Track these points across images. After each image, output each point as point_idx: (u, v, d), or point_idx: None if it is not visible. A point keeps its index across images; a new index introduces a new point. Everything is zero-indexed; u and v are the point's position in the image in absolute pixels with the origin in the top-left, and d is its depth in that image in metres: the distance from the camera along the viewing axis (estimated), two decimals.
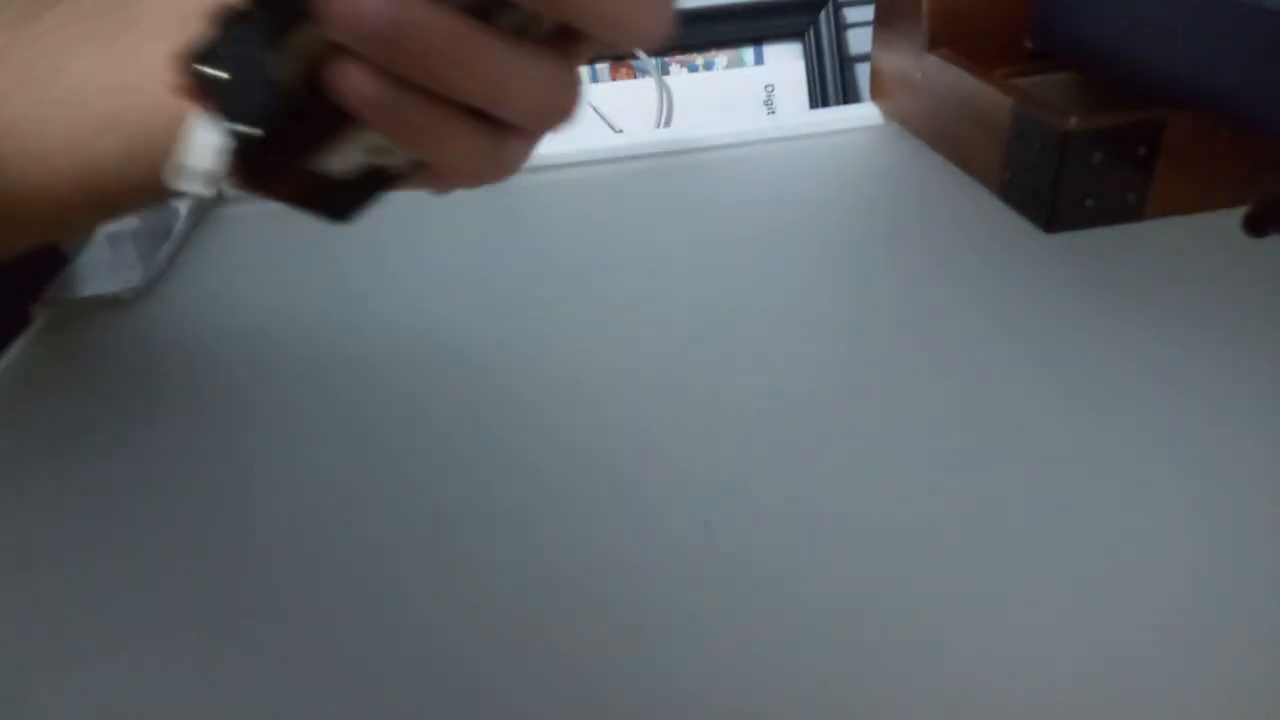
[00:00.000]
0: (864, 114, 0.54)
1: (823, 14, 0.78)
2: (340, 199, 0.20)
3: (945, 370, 0.33)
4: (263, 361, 0.36)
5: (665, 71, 0.82)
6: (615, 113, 0.82)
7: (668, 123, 0.82)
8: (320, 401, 0.34)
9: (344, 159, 0.19)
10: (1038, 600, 0.24)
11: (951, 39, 0.48)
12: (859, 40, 0.79)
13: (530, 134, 0.20)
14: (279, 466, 0.31)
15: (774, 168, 0.50)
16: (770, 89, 0.82)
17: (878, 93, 0.55)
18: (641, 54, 0.80)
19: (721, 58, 0.82)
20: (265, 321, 0.39)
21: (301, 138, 0.19)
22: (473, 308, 0.39)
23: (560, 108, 0.20)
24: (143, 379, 0.36)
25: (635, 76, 0.83)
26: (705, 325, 0.37)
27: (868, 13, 0.75)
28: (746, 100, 0.82)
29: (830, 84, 0.79)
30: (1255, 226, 0.38)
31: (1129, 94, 0.41)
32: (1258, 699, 0.21)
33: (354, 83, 0.17)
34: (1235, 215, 0.37)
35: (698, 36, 0.81)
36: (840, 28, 0.79)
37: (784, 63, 0.81)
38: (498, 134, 0.20)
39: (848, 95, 0.80)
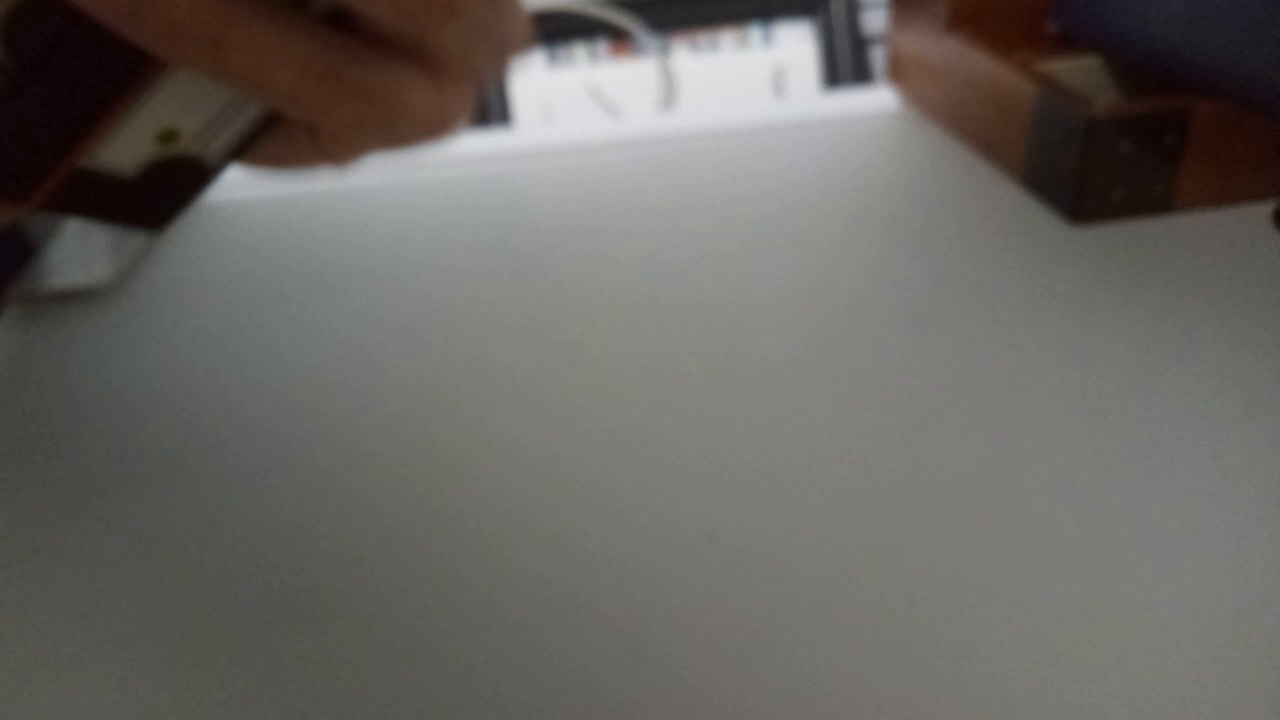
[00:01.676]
0: (880, 98, 0.53)
1: None
2: (138, 202, 0.16)
3: (964, 366, 0.32)
4: (243, 356, 0.36)
5: (668, 51, 0.80)
6: (612, 94, 0.80)
7: (670, 106, 0.81)
8: (306, 398, 0.33)
9: (125, 149, 0.15)
10: (1055, 610, 0.23)
11: (972, 19, 0.46)
12: (874, 20, 0.78)
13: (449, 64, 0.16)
14: (261, 464, 0.30)
15: (784, 156, 0.48)
16: (780, 71, 0.80)
17: (895, 75, 0.53)
18: (642, 33, 0.78)
19: (728, 37, 0.80)
20: (246, 315, 0.38)
21: (49, 124, 0.14)
22: (463, 305, 0.38)
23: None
24: (116, 374, 0.35)
25: (636, 56, 0.81)
26: (710, 325, 0.36)
27: None
28: (754, 82, 0.80)
29: (844, 65, 0.77)
30: None
31: (1155, 80, 0.39)
32: (1259, 700, 0.21)
33: None
34: (1265, 209, 0.36)
35: (702, 14, 0.79)
36: (855, 6, 0.78)
37: (795, 42, 0.79)
38: (378, 50, 0.15)
39: (862, 77, 0.78)
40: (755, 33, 0.80)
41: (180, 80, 0.15)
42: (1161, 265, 0.37)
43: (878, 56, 0.78)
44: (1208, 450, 0.28)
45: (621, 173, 0.53)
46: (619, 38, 0.78)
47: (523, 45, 0.18)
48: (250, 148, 0.17)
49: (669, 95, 0.79)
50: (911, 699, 0.22)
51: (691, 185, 0.47)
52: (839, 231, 0.41)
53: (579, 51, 0.81)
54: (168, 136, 0.16)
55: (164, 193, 0.17)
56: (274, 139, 0.18)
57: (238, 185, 0.48)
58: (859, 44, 0.78)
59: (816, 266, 0.39)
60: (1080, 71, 0.46)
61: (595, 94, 0.80)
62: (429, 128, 0.17)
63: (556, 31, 0.80)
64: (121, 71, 0.14)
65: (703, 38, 0.81)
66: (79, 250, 0.42)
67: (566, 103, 0.82)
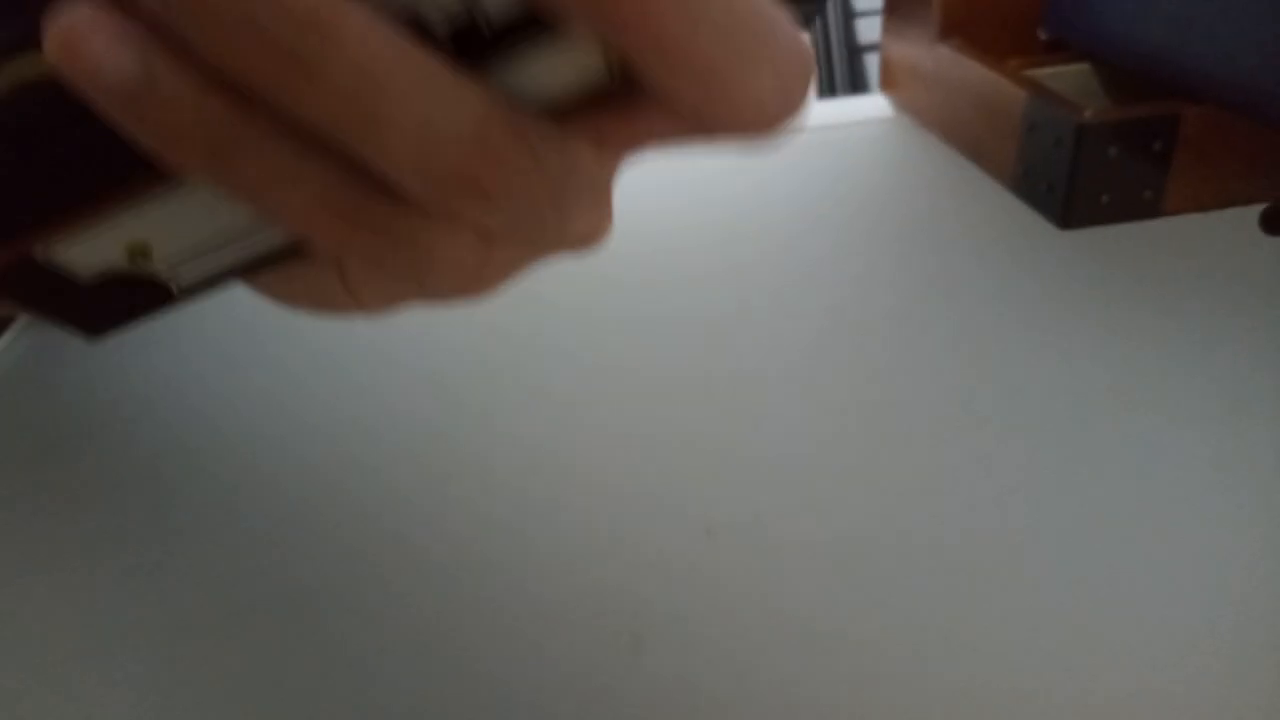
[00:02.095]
0: (873, 106, 0.53)
1: (830, 1, 0.77)
2: (80, 307, 0.15)
3: (955, 369, 0.32)
4: (246, 356, 0.36)
5: None
6: None
7: None
8: (310, 402, 0.33)
9: (86, 252, 0.14)
10: (1046, 601, 0.24)
11: (964, 28, 0.47)
12: (868, 29, 0.78)
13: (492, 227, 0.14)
14: (266, 463, 0.30)
15: (778, 162, 0.49)
16: None
17: (887, 83, 0.54)
18: None
19: None
20: (249, 315, 0.39)
21: (12, 203, 0.13)
22: (465, 307, 0.38)
23: (542, 209, 0.13)
24: (120, 376, 0.36)
25: None
26: (706, 327, 0.36)
27: (877, 1, 0.74)
28: None
29: (838, 74, 0.78)
30: (1273, 224, 0.37)
31: (1145, 86, 0.40)
32: (1259, 701, 0.21)
33: (93, 48, 0.11)
34: (1253, 212, 0.36)
35: None
36: (849, 16, 0.78)
37: None
38: (405, 205, 0.13)
39: (856, 85, 0.79)
40: None
41: (170, 199, 0.13)
42: (1150, 267, 0.37)
43: (872, 64, 0.78)
44: (1196, 448, 0.28)
45: (621, 177, 0.55)
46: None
47: (594, 239, 0.16)
48: (221, 286, 0.16)
49: None
50: (906, 692, 0.22)
51: (688, 191, 0.47)
52: (833, 235, 0.42)
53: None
54: (138, 251, 0.14)
55: (113, 306, 0.15)
56: (300, 276, 0.16)
57: None
58: (853, 52, 0.79)
59: (811, 269, 0.39)
60: (1070, 78, 0.46)
61: None
62: (466, 284, 0.15)
63: None
64: (110, 173, 0.13)
65: None
66: None
67: None
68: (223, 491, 0.29)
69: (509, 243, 0.15)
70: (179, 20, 0.11)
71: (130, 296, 0.15)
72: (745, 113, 0.13)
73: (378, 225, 0.14)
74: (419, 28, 0.12)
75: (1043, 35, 0.47)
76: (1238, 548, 0.25)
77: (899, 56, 0.52)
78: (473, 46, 0.12)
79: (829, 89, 0.79)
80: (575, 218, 0.15)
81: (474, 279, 0.15)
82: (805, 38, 0.13)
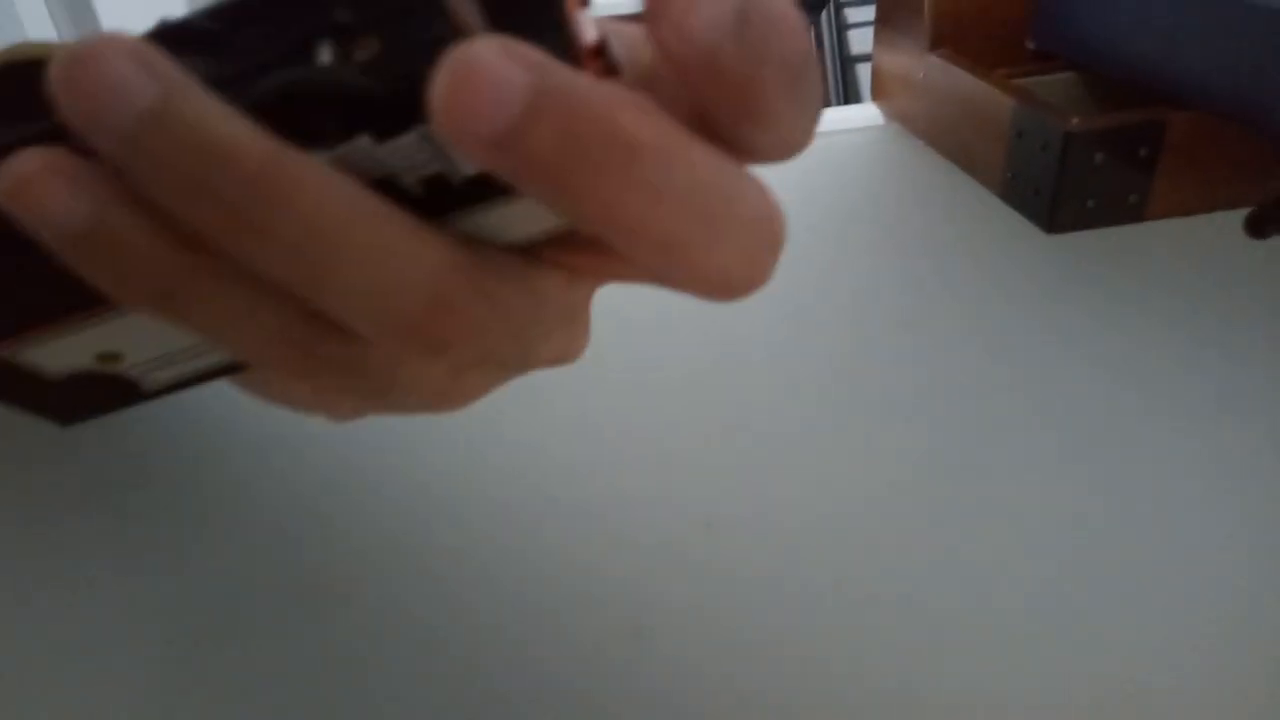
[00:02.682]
0: (865, 114, 0.54)
1: (823, 13, 0.78)
2: (52, 399, 0.15)
3: (945, 371, 0.33)
4: None
5: None
6: None
7: None
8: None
9: (56, 357, 0.14)
10: (1036, 599, 0.24)
11: (953, 39, 0.48)
12: (860, 40, 0.79)
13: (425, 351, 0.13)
14: (268, 461, 0.31)
15: (773, 169, 0.49)
16: None
17: (879, 93, 0.54)
18: None
19: None
20: None
21: None
22: None
23: (500, 340, 0.13)
24: None
25: None
26: (704, 329, 0.36)
27: (869, 12, 0.75)
28: None
29: (831, 84, 0.79)
30: (1257, 227, 0.38)
31: (1131, 94, 0.40)
32: (1258, 700, 0.21)
33: (42, 193, 0.11)
34: (1237, 216, 0.37)
35: None
36: (841, 27, 0.79)
37: None
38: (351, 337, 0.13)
39: (848, 95, 0.80)
40: None
41: (136, 318, 0.13)
42: (1136, 270, 0.38)
43: (864, 74, 0.79)
44: (1184, 448, 0.29)
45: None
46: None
47: (568, 358, 0.16)
48: (194, 385, 0.16)
49: None
50: (905, 683, 0.22)
51: None
52: (825, 240, 0.42)
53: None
54: (108, 358, 0.14)
55: (84, 399, 0.15)
56: (272, 381, 0.16)
57: None
58: (846, 63, 0.80)
59: (803, 274, 0.39)
60: (1057, 87, 0.47)
61: None
62: (434, 403, 0.15)
63: None
64: (71, 298, 0.13)
65: None
66: None
67: None
68: (224, 491, 0.30)
69: (474, 371, 0.15)
70: (133, 170, 0.11)
71: (100, 392, 0.15)
72: (709, 282, 0.12)
73: (335, 359, 0.13)
74: (389, 181, 0.12)
75: (1030, 45, 0.48)
76: (1228, 548, 0.25)
77: (890, 66, 0.53)
78: (442, 194, 0.12)
79: (822, 98, 0.80)
80: (543, 345, 0.15)
81: (442, 399, 0.15)
82: (776, 205, 0.13)
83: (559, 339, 0.15)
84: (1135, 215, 0.41)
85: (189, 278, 0.12)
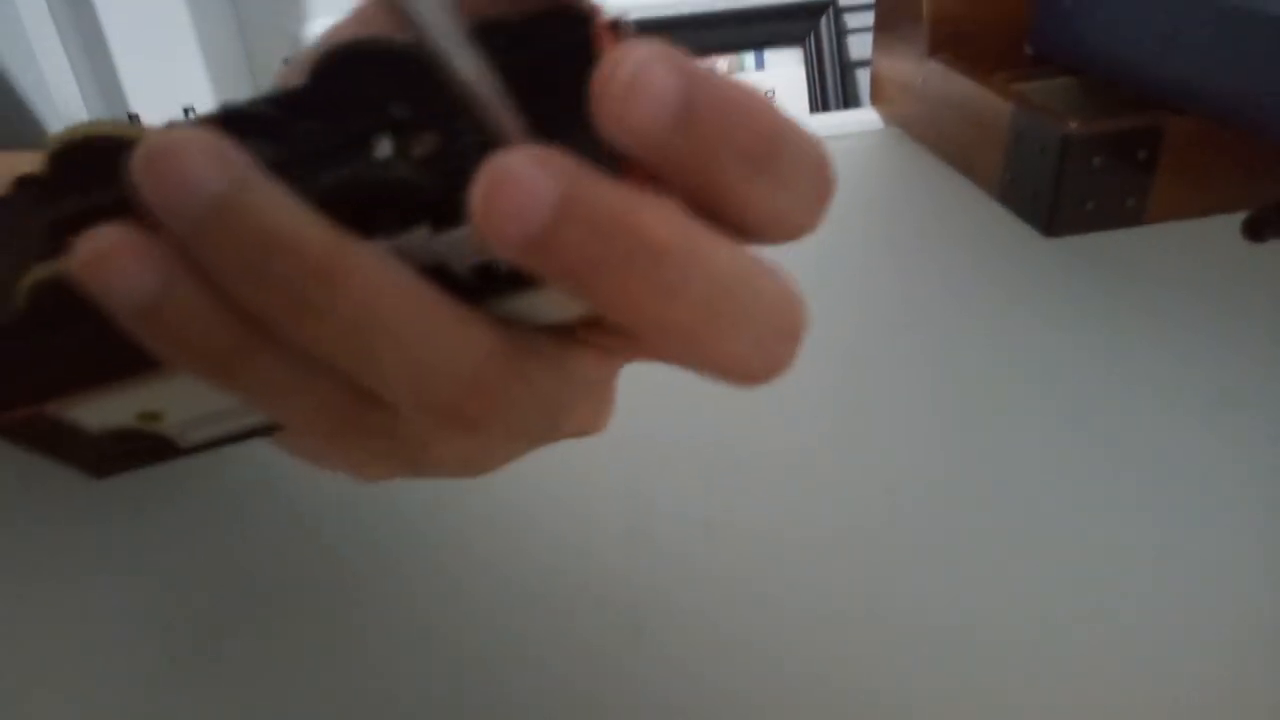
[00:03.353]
0: (864, 119, 0.54)
1: (824, 19, 0.79)
2: (90, 452, 0.16)
3: (944, 374, 0.33)
4: None
5: None
6: None
7: None
8: None
9: (99, 416, 0.15)
10: (1038, 598, 0.24)
11: (952, 44, 0.48)
12: (859, 45, 0.80)
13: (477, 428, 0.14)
14: (269, 459, 0.31)
15: None
16: (771, 93, 0.82)
17: (878, 98, 0.55)
18: None
19: (722, 62, 0.82)
20: None
21: (33, 373, 0.14)
22: None
23: (527, 420, 0.14)
24: None
25: None
26: None
27: (868, 18, 0.76)
28: None
29: (831, 89, 0.79)
30: (1255, 231, 0.38)
31: (1129, 98, 0.41)
32: (1258, 700, 0.21)
33: (114, 267, 0.12)
34: (1235, 220, 0.37)
35: (699, 41, 0.81)
36: (841, 33, 0.80)
37: (785, 68, 0.81)
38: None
39: (848, 100, 0.80)
40: (749, 59, 0.82)
41: (181, 381, 0.14)
42: (1134, 273, 0.38)
43: (863, 80, 0.79)
44: (1182, 449, 0.29)
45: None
46: None
47: (593, 430, 0.16)
48: (232, 443, 0.17)
49: None
50: (902, 684, 0.22)
51: None
52: (824, 245, 0.42)
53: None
54: (149, 417, 0.15)
55: (120, 454, 0.16)
56: (307, 442, 0.17)
57: None
58: (845, 68, 0.80)
59: (803, 277, 0.40)
60: (1056, 91, 0.47)
61: None
62: (462, 471, 0.16)
63: None
64: (124, 362, 0.13)
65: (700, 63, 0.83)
66: None
67: None
68: (224, 489, 0.30)
69: (502, 443, 0.16)
70: (200, 251, 0.12)
71: (137, 447, 0.16)
72: (727, 370, 0.13)
73: (374, 430, 0.14)
74: (440, 267, 0.13)
75: (1028, 50, 0.48)
76: (1231, 547, 0.25)
77: (889, 71, 0.53)
78: (489, 280, 0.13)
79: (822, 103, 0.80)
80: (569, 419, 0.15)
81: (468, 467, 0.16)
82: (795, 295, 0.13)
83: (584, 412, 0.16)
84: (1133, 219, 0.41)
85: (245, 351, 0.13)
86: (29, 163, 0.14)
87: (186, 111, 0.84)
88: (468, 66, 0.11)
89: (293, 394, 0.14)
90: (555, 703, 0.22)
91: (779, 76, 0.82)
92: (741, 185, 0.12)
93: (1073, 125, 0.38)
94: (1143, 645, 0.23)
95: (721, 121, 0.11)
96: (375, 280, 0.12)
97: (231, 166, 0.12)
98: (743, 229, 0.13)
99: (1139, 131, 0.39)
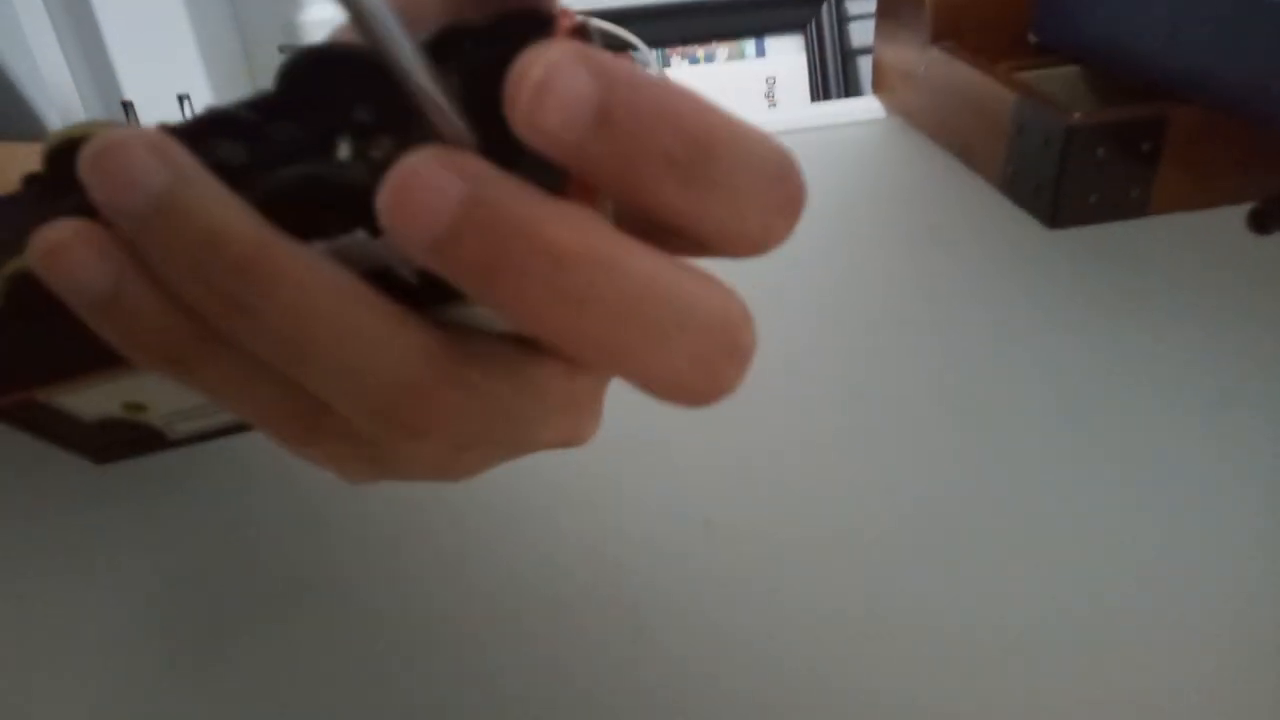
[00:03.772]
0: (866, 107, 0.54)
1: (825, 6, 0.78)
2: (86, 440, 0.17)
3: (946, 366, 0.33)
4: None
5: (665, 63, 0.82)
6: None
7: None
8: None
9: (87, 404, 0.15)
10: (1040, 596, 0.24)
11: (955, 32, 0.48)
12: (861, 33, 0.79)
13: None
14: (268, 457, 0.31)
15: None
16: (771, 81, 0.81)
17: (880, 86, 0.54)
18: (641, 44, 0.79)
19: (722, 50, 0.82)
20: None
21: (17, 362, 0.14)
22: None
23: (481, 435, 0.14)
24: None
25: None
26: None
27: (870, 5, 0.75)
28: (747, 92, 0.81)
29: (832, 77, 0.78)
30: (1260, 222, 0.38)
31: (1133, 88, 0.40)
32: (1259, 700, 0.21)
33: (69, 259, 0.12)
34: (1240, 212, 0.37)
35: (699, 28, 0.80)
36: (842, 20, 0.79)
37: (786, 55, 0.81)
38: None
39: (850, 88, 0.80)
40: (749, 46, 0.81)
41: (153, 375, 0.14)
42: (1139, 264, 0.38)
43: (865, 68, 0.79)
44: (1186, 444, 0.29)
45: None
46: (619, 51, 0.80)
47: (575, 441, 0.16)
48: (220, 437, 0.17)
49: None
50: (902, 683, 0.22)
51: None
52: (826, 234, 0.42)
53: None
54: (134, 408, 0.16)
55: (116, 442, 0.17)
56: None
57: None
58: (847, 56, 0.80)
59: (804, 268, 0.39)
60: (1059, 81, 0.47)
61: None
62: (436, 475, 0.16)
63: None
64: (98, 354, 0.14)
65: (699, 51, 0.82)
66: None
67: None
68: (223, 487, 0.30)
69: (473, 450, 0.15)
70: (144, 247, 0.12)
71: (130, 437, 0.16)
72: (664, 388, 0.13)
73: (332, 432, 0.14)
74: (387, 272, 0.13)
75: (1032, 39, 0.47)
76: (1231, 544, 0.25)
77: (891, 60, 0.53)
78: (438, 285, 0.13)
79: (824, 91, 0.79)
80: (544, 430, 0.15)
81: (443, 472, 0.16)
82: (737, 312, 0.13)
83: (562, 425, 0.16)
84: (1137, 210, 0.40)
85: (196, 348, 0.13)
86: (27, 154, 0.14)
87: (181, 100, 0.83)
88: (411, 68, 0.11)
89: (247, 394, 0.14)
90: (555, 702, 0.22)
91: (780, 64, 0.81)
92: (670, 194, 0.12)
93: (1076, 115, 0.38)
94: (1142, 645, 0.23)
95: (640, 127, 0.11)
96: (306, 281, 0.12)
97: (173, 164, 0.12)
98: (693, 242, 0.13)
99: (1143, 122, 0.39)
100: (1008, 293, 0.37)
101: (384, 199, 0.11)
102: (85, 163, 0.12)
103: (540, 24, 0.13)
